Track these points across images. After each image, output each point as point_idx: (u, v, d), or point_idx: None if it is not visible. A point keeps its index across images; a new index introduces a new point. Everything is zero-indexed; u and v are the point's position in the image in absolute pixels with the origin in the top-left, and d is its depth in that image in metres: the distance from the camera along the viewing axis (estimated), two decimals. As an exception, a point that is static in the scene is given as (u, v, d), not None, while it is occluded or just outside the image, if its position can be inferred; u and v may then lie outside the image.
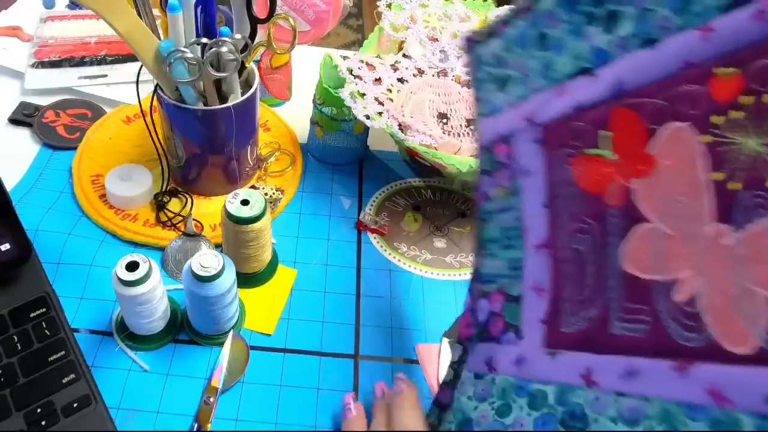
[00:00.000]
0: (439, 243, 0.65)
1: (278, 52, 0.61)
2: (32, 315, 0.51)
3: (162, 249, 0.60)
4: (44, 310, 0.52)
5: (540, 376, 0.36)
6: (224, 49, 0.54)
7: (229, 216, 0.52)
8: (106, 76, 0.78)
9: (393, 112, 0.63)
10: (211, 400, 0.49)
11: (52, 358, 0.49)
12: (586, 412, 0.33)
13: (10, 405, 0.46)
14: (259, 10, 0.59)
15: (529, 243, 0.39)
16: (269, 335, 0.55)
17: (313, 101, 0.68)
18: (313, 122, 0.70)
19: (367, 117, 0.61)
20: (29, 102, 0.74)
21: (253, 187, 0.67)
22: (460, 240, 0.65)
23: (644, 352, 0.31)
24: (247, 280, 0.57)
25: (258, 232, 0.53)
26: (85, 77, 0.78)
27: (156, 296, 0.49)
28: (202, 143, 0.60)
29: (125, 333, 0.52)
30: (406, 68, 0.68)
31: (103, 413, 0.47)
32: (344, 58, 0.66)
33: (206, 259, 0.48)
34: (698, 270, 0.30)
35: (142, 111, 0.59)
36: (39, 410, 0.46)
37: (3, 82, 0.77)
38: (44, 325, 0.51)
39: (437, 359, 0.53)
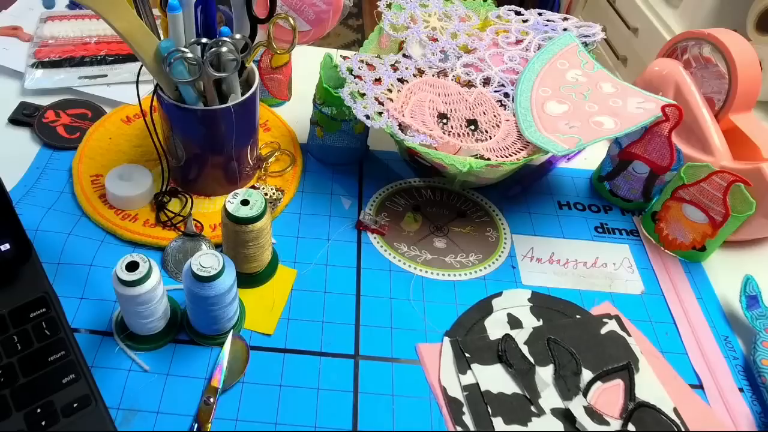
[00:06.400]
0: (439, 243, 0.65)
1: (278, 52, 0.61)
2: (32, 315, 0.51)
3: (162, 249, 0.60)
4: (44, 310, 0.52)
5: None
6: (224, 49, 0.54)
7: (229, 216, 0.52)
8: (106, 76, 0.78)
9: (393, 112, 0.63)
10: (211, 400, 0.49)
11: (52, 358, 0.49)
12: None
13: (10, 405, 0.46)
14: (259, 10, 0.59)
15: None
16: (269, 335, 0.55)
17: (313, 101, 0.68)
18: (313, 122, 0.70)
19: (367, 117, 0.61)
20: (29, 102, 0.74)
21: (253, 187, 0.67)
22: (460, 240, 0.65)
23: None
24: (247, 280, 0.57)
25: (258, 232, 0.53)
26: (85, 77, 0.78)
27: (156, 296, 0.49)
28: (202, 143, 0.60)
29: (125, 333, 0.52)
30: (406, 68, 0.68)
31: (103, 413, 0.47)
32: (344, 58, 0.66)
33: (206, 259, 0.48)
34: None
35: (142, 111, 0.59)
36: (39, 410, 0.46)
37: (3, 82, 0.77)
38: (44, 325, 0.51)
39: (438, 359, 0.53)
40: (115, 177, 0.63)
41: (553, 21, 0.77)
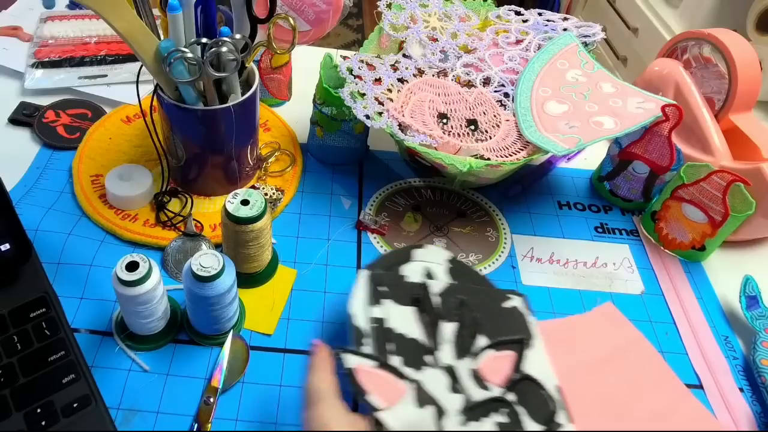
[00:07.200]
0: (439, 243, 0.65)
1: (278, 52, 0.61)
2: (32, 315, 0.51)
3: (162, 249, 0.60)
4: (44, 310, 0.52)
5: None
6: (224, 49, 0.54)
7: (229, 216, 0.52)
8: (106, 76, 0.78)
9: (393, 112, 0.63)
10: (211, 400, 0.49)
11: (52, 358, 0.49)
12: None
13: (10, 405, 0.46)
14: (259, 10, 0.59)
15: None
16: (269, 335, 0.55)
17: (313, 101, 0.68)
18: (313, 122, 0.70)
19: (367, 117, 0.61)
20: (29, 102, 0.74)
21: (253, 187, 0.67)
22: (460, 240, 0.65)
23: None
24: (247, 280, 0.57)
25: (258, 232, 0.53)
26: (85, 77, 0.78)
27: (156, 296, 0.49)
28: (202, 143, 0.60)
29: (125, 333, 0.52)
30: (406, 68, 0.68)
31: (102, 413, 0.47)
32: (344, 58, 0.66)
33: (206, 259, 0.47)
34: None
35: (142, 111, 0.59)
36: (39, 410, 0.46)
37: (3, 82, 0.77)
38: (44, 325, 0.51)
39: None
40: (115, 177, 0.63)
41: (553, 21, 0.77)
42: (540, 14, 0.78)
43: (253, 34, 0.59)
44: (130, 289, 0.47)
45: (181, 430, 0.48)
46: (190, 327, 0.53)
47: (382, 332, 0.48)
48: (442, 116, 0.65)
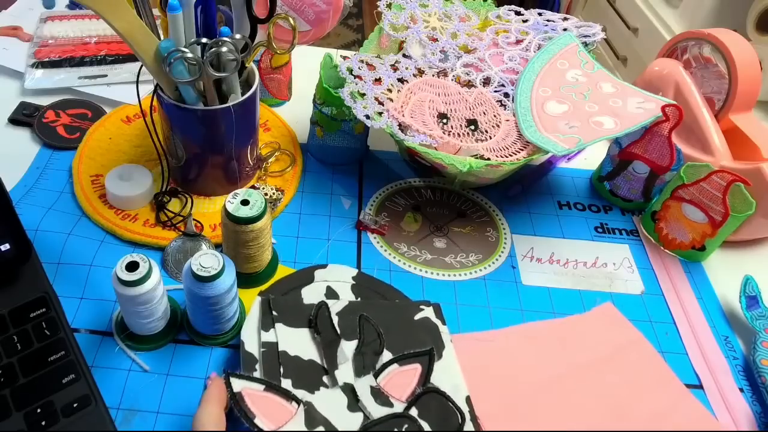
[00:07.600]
0: (439, 243, 0.65)
1: (278, 52, 0.61)
2: (32, 315, 0.51)
3: (162, 249, 0.60)
4: (44, 310, 0.52)
5: None
6: (224, 49, 0.54)
7: (229, 216, 0.52)
8: (106, 76, 0.78)
9: (393, 112, 0.63)
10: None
11: (52, 358, 0.49)
12: None
13: (10, 405, 0.46)
14: (259, 10, 0.59)
15: None
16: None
17: (313, 101, 0.68)
18: (313, 122, 0.70)
19: (367, 117, 0.61)
20: (29, 102, 0.74)
21: (253, 187, 0.67)
22: (460, 240, 0.65)
23: None
24: (247, 280, 0.57)
25: (258, 232, 0.53)
26: (85, 77, 0.78)
27: (156, 296, 0.49)
28: (202, 143, 0.60)
29: (125, 333, 0.52)
30: (406, 68, 0.68)
31: (102, 413, 0.47)
32: (344, 58, 0.66)
33: (206, 259, 0.47)
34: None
35: (142, 111, 0.59)
36: (39, 410, 0.46)
37: (3, 82, 0.77)
38: (44, 325, 0.51)
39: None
40: (115, 177, 0.63)
41: (553, 21, 0.77)
42: (540, 14, 0.78)
43: (253, 34, 0.59)
44: (130, 289, 0.47)
45: (181, 430, 0.48)
46: (190, 327, 0.53)
47: (274, 356, 0.48)
48: (442, 116, 0.65)
